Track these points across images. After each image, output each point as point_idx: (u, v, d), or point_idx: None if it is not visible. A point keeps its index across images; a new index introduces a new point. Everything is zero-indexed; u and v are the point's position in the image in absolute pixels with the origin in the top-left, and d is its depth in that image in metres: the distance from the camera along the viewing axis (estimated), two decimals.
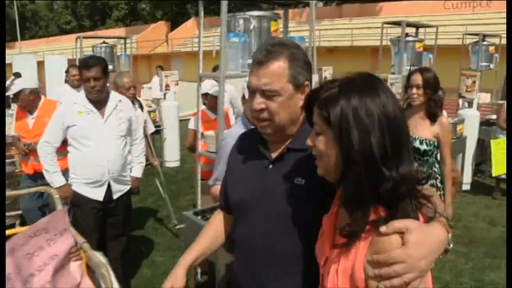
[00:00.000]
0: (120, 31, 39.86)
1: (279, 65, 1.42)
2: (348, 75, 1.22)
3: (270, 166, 1.54)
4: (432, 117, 3.20)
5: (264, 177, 1.54)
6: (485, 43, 7.44)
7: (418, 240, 1.06)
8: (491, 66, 7.57)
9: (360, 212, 1.13)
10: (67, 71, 6.26)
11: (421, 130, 3.21)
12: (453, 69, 7.81)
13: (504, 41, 8.75)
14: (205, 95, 4.47)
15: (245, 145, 1.70)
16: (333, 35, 25.12)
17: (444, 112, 3.44)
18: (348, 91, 1.15)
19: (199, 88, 3.79)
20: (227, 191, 1.71)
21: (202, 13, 3.76)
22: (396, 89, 4.41)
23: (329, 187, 1.29)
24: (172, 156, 8.28)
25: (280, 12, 3.95)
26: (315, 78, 3.13)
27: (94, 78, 3.24)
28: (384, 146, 1.11)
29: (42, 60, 15.49)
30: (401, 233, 1.07)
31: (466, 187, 6.44)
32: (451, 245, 1.17)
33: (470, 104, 6.58)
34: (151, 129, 5.06)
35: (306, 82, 1.48)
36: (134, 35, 29.30)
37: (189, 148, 4.64)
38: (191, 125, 4.47)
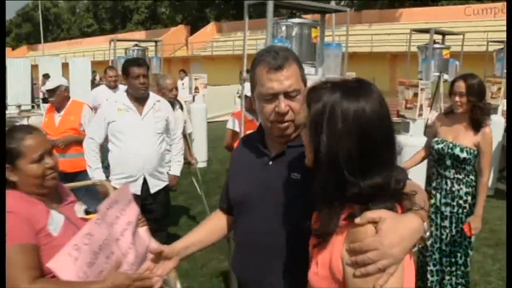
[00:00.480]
0: (141, 34, 40.56)
1: (294, 67, 1.51)
2: (344, 79, 1.25)
3: (270, 163, 1.59)
4: (476, 125, 3.15)
5: (264, 174, 1.59)
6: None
7: (390, 228, 1.09)
8: None
9: (328, 212, 1.17)
10: (105, 72, 6.57)
11: (463, 138, 3.19)
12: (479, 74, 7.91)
13: None
14: (245, 97, 4.68)
15: (246, 147, 1.75)
16: (353, 41, 25.23)
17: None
18: (333, 92, 1.17)
19: (242, 90, 3.98)
20: (228, 191, 1.76)
21: (246, 16, 3.93)
22: (426, 94, 4.56)
23: None
24: (200, 157, 8.52)
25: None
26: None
27: (143, 75, 3.49)
28: (351, 155, 1.12)
29: (65, 62, 15.93)
30: (375, 223, 1.10)
31: (490, 192, 6.53)
32: (428, 233, 1.19)
33: (495, 111, 6.69)
34: (189, 128, 5.29)
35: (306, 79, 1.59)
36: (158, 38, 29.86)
37: (226, 147, 4.85)
38: (230, 125, 4.67)
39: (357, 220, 1.11)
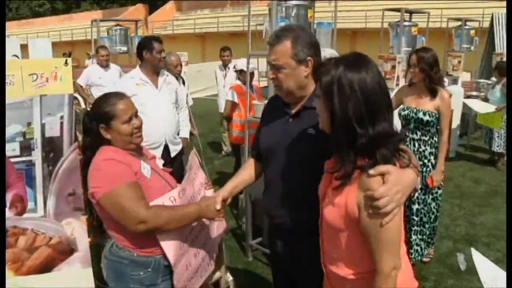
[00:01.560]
0: (97, 14, 39.45)
1: (283, 46, 1.85)
2: (343, 54, 1.54)
3: (290, 120, 1.98)
4: (432, 91, 3.50)
5: (286, 129, 1.97)
6: (466, 27, 8.31)
7: (395, 180, 1.41)
8: (472, 48, 8.46)
9: (343, 161, 1.48)
10: (97, 51, 6.82)
11: (423, 103, 3.54)
12: (438, 51, 8.67)
13: (483, 24, 9.69)
14: (240, 72, 5.17)
15: (272, 106, 2.17)
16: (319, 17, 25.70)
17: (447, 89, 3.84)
18: (338, 66, 1.46)
19: (248, 64, 4.44)
20: (258, 142, 2.15)
21: None
22: (402, 67, 5.18)
23: None
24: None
25: None
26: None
27: (163, 50, 3.87)
28: (359, 111, 1.42)
29: (22, 44, 15.48)
30: (383, 175, 1.41)
31: (452, 154, 7.34)
32: (419, 186, 1.65)
33: (455, 82, 7.45)
34: (190, 102, 5.71)
35: (309, 58, 1.87)
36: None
37: (225, 117, 5.36)
38: (229, 97, 5.16)
39: (371, 172, 1.41)
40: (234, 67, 5.56)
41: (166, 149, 4.04)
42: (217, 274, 2.56)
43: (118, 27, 8.25)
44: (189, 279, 2.10)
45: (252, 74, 4.99)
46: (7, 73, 1.86)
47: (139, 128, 2.05)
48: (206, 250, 2.24)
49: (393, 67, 5.03)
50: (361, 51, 1.68)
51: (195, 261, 2.14)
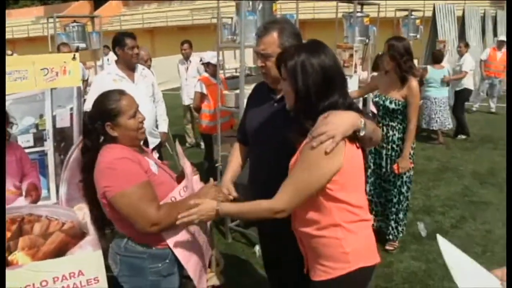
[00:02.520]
0: (38, 10, 37.91)
1: (271, 36, 2.07)
2: (303, 42, 1.86)
3: (275, 105, 2.18)
4: (402, 80, 3.59)
5: (270, 112, 2.18)
6: (412, 17, 8.86)
7: (333, 116, 1.65)
8: (418, 36, 9.03)
9: (300, 125, 1.74)
10: (58, 49, 6.75)
11: (392, 91, 3.67)
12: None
13: (427, 13, 10.33)
14: (207, 64, 5.37)
15: (257, 92, 2.37)
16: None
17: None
18: (300, 52, 1.72)
19: (218, 57, 4.64)
20: (245, 126, 2.34)
21: None
22: (359, 55, 5.57)
23: None
24: None
25: None
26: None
27: (136, 46, 3.98)
28: (318, 84, 1.68)
29: None
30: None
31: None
32: (363, 132, 1.69)
33: None
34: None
35: None
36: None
37: (195, 108, 5.55)
38: (197, 88, 5.33)
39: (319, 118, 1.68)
40: (201, 60, 5.73)
41: (145, 142, 4.17)
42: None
43: (76, 23, 8.13)
44: (200, 265, 2.20)
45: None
46: (20, 68, 1.99)
47: (143, 122, 2.06)
48: (207, 228, 2.33)
49: (351, 55, 5.38)
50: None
51: (200, 246, 2.19)
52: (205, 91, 5.31)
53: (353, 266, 1.74)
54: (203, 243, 2.23)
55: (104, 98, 1.99)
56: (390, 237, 3.96)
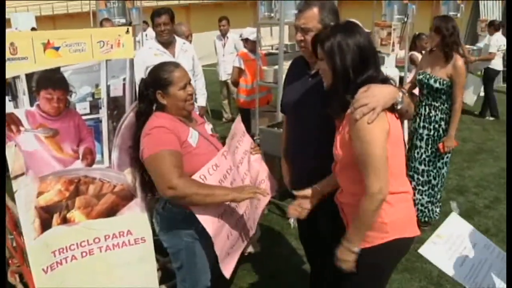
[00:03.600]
0: None
1: (312, 12, 2.14)
2: (337, 23, 2.00)
3: (309, 79, 2.27)
4: (446, 57, 3.58)
5: (305, 86, 2.27)
6: None
7: (372, 88, 1.73)
8: (458, 15, 8.79)
9: (338, 101, 1.83)
10: (101, 24, 6.96)
11: (438, 70, 3.64)
12: (428, 19, 9.00)
13: None
14: (246, 40, 5.47)
15: (294, 67, 2.48)
16: None
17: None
18: (335, 33, 1.82)
19: (258, 33, 4.73)
20: (283, 97, 2.51)
21: None
22: (397, 33, 5.52)
23: None
24: None
25: None
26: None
27: (164, 23, 4.06)
28: (355, 60, 1.78)
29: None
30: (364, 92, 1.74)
31: None
32: (399, 106, 1.77)
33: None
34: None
35: (332, 23, 2.11)
36: None
37: (233, 83, 5.71)
38: (236, 63, 5.46)
39: (357, 93, 1.75)
40: (240, 35, 5.82)
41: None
42: None
43: (116, 0, 8.33)
44: (231, 246, 2.21)
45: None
46: (80, 40, 2.15)
47: (192, 95, 2.19)
48: (251, 217, 2.36)
49: (389, 34, 5.35)
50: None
51: (236, 230, 2.23)
52: (243, 66, 5.43)
53: (391, 237, 1.83)
54: (241, 228, 2.27)
55: (159, 68, 2.16)
56: (426, 219, 3.99)
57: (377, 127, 1.69)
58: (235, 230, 2.21)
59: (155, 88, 2.13)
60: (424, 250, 2.01)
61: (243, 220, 2.28)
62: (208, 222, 1.99)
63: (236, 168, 2.28)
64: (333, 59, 1.79)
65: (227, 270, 2.19)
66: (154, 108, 2.17)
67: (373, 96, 1.70)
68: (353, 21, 1.91)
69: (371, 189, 1.71)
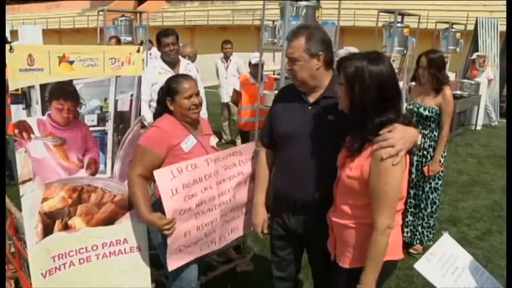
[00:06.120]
0: (85, 3, 39.24)
1: (298, 41, 2.09)
2: (364, 51, 1.85)
3: (309, 108, 2.18)
4: (435, 90, 3.74)
5: (305, 115, 2.17)
6: (453, 30, 8.87)
7: (401, 131, 1.76)
8: (457, 49, 9.04)
9: (356, 138, 1.83)
10: (109, 41, 7.13)
11: (427, 100, 3.81)
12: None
13: (469, 27, 10.28)
14: (250, 64, 5.66)
15: (286, 95, 2.33)
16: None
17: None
18: (362, 60, 1.77)
19: (260, 57, 4.89)
20: (271, 129, 2.31)
21: None
22: (396, 64, 5.69)
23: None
24: None
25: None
26: (343, 51, 4.28)
27: (172, 43, 4.20)
28: (374, 101, 1.74)
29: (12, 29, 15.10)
30: (390, 131, 1.76)
31: None
32: (419, 142, 1.96)
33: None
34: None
35: (320, 53, 2.10)
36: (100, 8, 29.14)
37: (233, 102, 5.98)
38: (237, 86, 5.68)
39: (384, 130, 1.76)
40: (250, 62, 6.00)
41: None
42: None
43: (124, 18, 8.55)
44: (186, 246, 2.35)
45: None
46: (93, 56, 2.27)
47: (197, 105, 2.40)
48: (218, 231, 2.47)
49: None
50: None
51: (197, 233, 2.36)
52: (240, 89, 5.64)
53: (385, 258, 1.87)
54: (203, 235, 2.40)
55: (172, 78, 2.48)
56: (417, 242, 4.07)
57: (399, 169, 1.76)
58: (195, 232, 2.35)
59: (166, 95, 2.41)
60: (419, 266, 2.11)
61: (207, 229, 2.40)
62: (168, 203, 2.19)
63: (218, 180, 2.38)
64: (353, 89, 1.78)
65: (171, 263, 2.34)
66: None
67: (400, 138, 1.75)
68: (381, 53, 1.88)
69: (383, 226, 1.78)
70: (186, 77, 2.47)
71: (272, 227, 2.44)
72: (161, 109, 2.46)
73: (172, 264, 2.35)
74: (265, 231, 2.46)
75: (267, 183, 2.43)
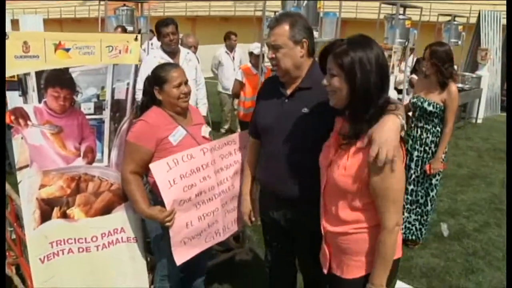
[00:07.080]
0: None
1: (282, 28, 2.02)
2: (351, 36, 1.73)
3: (286, 100, 2.13)
4: (442, 85, 3.64)
5: (282, 108, 2.13)
6: (455, 22, 8.82)
7: (380, 134, 1.63)
8: (459, 42, 8.98)
9: (356, 125, 1.71)
10: (115, 31, 7.11)
11: (432, 95, 3.72)
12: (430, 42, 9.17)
13: (471, 20, 10.22)
14: (251, 54, 5.62)
15: (268, 87, 2.30)
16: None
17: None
18: (354, 47, 1.67)
19: (261, 48, 4.86)
20: (256, 120, 2.29)
21: None
22: (397, 56, 5.67)
23: (326, 115, 1.89)
24: None
25: None
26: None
27: (172, 33, 4.18)
28: (377, 83, 1.65)
29: (13, 19, 15.03)
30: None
31: None
32: (405, 128, 1.72)
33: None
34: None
35: (304, 40, 2.04)
36: None
37: (234, 94, 5.88)
38: (238, 76, 5.62)
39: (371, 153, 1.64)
40: (249, 49, 5.96)
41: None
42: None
43: (125, 7, 8.52)
44: (190, 238, 2.34)
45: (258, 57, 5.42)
46: (90, 44, 2.26)
47: (187, 94, 2.38)
48: (221, 222, 2.47)
49: (389, 56, 5.49)
50: None
51: (199, 223, 2.35)
52: (244, 80, 5.57)
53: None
54: (205, 226, 2.40)
55: (159, 67, 2.42)
56: (413, 237, 4.05)
57: (398, 161, 1.68)
58: (197, 223, 2.34)
59: (154, 84, 2.37)
60: None
61: (209, 219, 2.40)
62: (167, 194, 2.20)
63: (215, 169, 2.38)
64: (353, 78, 1.66)
65: (178, 257, 2.32)
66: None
67: (382, 143, 1.63)
68: (368, 36, 1.78)
69: (391, 224, 1.71)
70: (173, 65, 2.45)
71: (261, 217, 2.46)
72: (147, 101, 2.41)
73: (179, 257, 2.32)
74: (253, 219, 2.49)
75: (253, 173, 2.43)
